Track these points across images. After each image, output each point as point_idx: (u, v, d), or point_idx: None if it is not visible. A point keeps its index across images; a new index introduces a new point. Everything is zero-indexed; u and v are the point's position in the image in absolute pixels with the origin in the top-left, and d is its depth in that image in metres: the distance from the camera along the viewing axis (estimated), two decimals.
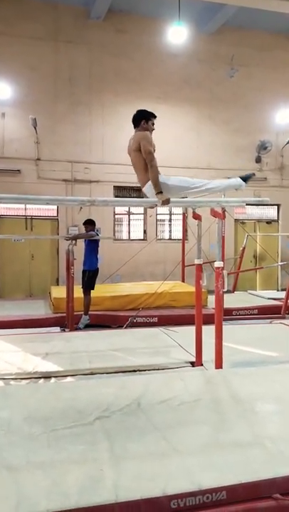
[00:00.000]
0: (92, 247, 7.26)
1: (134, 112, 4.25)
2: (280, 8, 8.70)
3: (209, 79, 12.04)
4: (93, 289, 7.22)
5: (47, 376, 4.35)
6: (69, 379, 4.30)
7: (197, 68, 11.88)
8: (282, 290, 10.56)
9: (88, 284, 7.15)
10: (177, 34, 10.36)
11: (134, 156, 4.12)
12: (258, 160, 12.39)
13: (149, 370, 4.53)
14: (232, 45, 11.97)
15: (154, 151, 4.08)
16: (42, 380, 4.27)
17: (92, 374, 4.41)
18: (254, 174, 4.12)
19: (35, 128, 10.53)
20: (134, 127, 4.22)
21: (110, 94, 11.34)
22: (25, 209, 11.07)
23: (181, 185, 4.16)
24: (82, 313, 7.09)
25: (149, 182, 4.01)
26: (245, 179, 4.21)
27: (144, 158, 4.00)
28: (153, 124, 4.23)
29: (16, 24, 10.59)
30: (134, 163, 4.18)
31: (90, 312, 7.16)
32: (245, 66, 12.05)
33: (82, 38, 11.10)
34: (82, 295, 7.11)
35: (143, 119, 4.16)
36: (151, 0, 10.90)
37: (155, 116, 4.23)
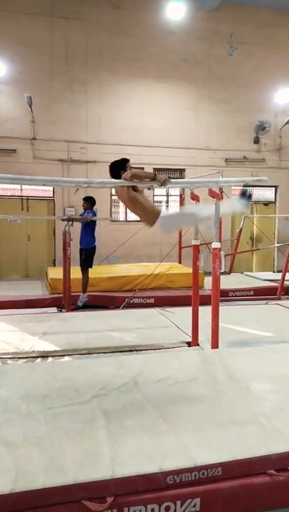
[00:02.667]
0: (89, 227, 7.20)
1: (110, 165, 4.09)
2: None
3: (208, 57, 11.83)
4: (91, 267, 7.19)
5: (44, 356, 4.37)
6: (66, 358, 4.33)
7: (195, 46, 11.65)
8: (279, 272, 10.58)
9: (86, 262, 7.12)
10: (176, 10, 10.15)
11: (129, 206, 4.18)
12: (257, 141, 12.28)
13: (145, 349, 4.56)
14: (231, 22, 11.73)
15: (138, 175, 3.80)
16: (39, 360, 4.30)
17: (89, 354, 4.44)
18: (251, 194, 4.04)
19: (30, 106, 10.37)
20: (113, 177, 4.02)
21: (107, 72, 11.14)
22: (21, 189, 10.99)
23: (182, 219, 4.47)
24: (80, 293, 7.10)
25: (159, 218, 4.02)
26: (245, 195, 4.08)
27: (136, 201, 4.00)
28: (129, 166, 3.99)
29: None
30: (131, 210, 4.25)
31: (87, 293, 7.17)
32: (245, 44, 11.83)
33: (78, 14, 10.84)
34: (79, 276, 7.10)
35: (121, 169, 3.93)
36: None
37: (128, 160, 4.04)
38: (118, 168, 4.00)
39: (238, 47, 11.62)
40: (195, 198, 5.37)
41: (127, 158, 4.11)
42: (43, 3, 10.62)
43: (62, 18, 10.78)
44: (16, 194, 10.96)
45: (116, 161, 4.07)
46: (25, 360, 4.27)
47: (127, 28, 11.16)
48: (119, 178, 3.83)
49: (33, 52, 10.62)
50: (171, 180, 3.84)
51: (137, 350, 4.53)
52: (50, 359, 4.32)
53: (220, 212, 4.26)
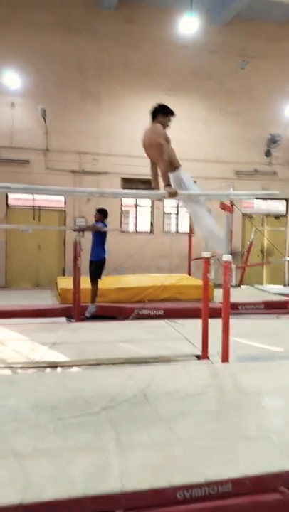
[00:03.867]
0: (100, 238, 7.24)
1: (155, 105, 4.25)
2: None
3: (219, 70, 11.91)
4: (100, 278, 7.21)
5: (53, 366, 4.37)
6: (75, 369, 4.32)
7: (207, 59, 11.76)
8: None
9: (95, 273, 7.14)
10: (188, 25, 10.25)
11: (150, 151, 4.15)
12: (268, 153, 12.29)
13: (155, 361, 4.53)
14: (243, 36, 11.84)
15: (169, 141, 4.07)
16: (49, 370, 4.29)
17: (98, 364, 4.43)
18: None
19: (44, 118, 10.52)
20: (152, 120, 4.22)
21: (119, 84, 11.28)
22: (34, 199, 11.09)
23: (192, 188, 4.38)
24: (89, 304, 7.11)
25: (179, 169, 4.10)
26: None
27: (163, 146, 3.99)
28: (169, 120, 4.21)
29: (25, 13, 10.53)
30: (151, 157, 4.22)
31: (96, 303, 7.18)
32: (256, 58, 11.91)
33: (92, 28, 11.02)
34: (88, 286, 7.12)
35: (161, 113, 4.17)
36: None
37: (173, 114, 4.22)
38: (160, 110, 4.19)
39: (249, 60, 11.71)
40: None
41: (171, 112, 4.21)
42: (58, 16, 10.82)
43: (76, 32, 10.96)
44: (29, 204, 11.07)
45: (164, 104, 4.25)
46: (34, 369, 4.27)
47: (138, 42, 11.31)
48: (155, 119, 4.15)
49: (48, 65, 10.79)
50: (181, 192, 3.88)
51: (146, 362, 4.51)
52: (59, 369, 4.31)
53: (210, 224, 4.26)
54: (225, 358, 4.18)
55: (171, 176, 4.05)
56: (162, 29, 11.33)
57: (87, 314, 7.07)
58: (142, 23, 11.26)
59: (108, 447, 2.58)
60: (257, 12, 11.44)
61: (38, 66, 10.71)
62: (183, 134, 11.42)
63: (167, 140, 4.06)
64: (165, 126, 4.18)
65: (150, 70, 11.42)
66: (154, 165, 4.33)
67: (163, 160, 3.95)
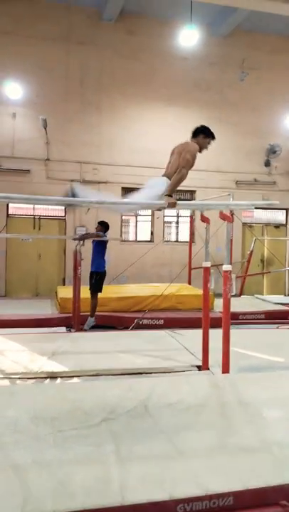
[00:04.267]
0: (100, 248, 7.26)
1: (199, 125, 4.33)
2: None
3: (219, 82, 12.02)
4: (100, 291, 7.21)
5: (53, 376, 4.34)
6: (75, 379, 4.29)
7: (207, 71, 11.87)
8: None
9: (96, 286, 7.15)
10: (189, 37, 10.36)
11: (173, 158, 4.23)
12: (267, 163, 12.35)
13: (155, 372, 4.51)
14: (243, 48, 11.96)
15: (191, 166, 4.12)
16: (48, 380, 4.27)
17: (98, 375, 4.40)
18: None
19: (45, 128, 10.58)
20: (192, 137, 4.29)
21: (120, 95, 11.36)
22: (34, 209, 11.12)
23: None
24: (89, 314, 7.10)
25: (161, 178, 4.11)
26: None
27: (188, 161, 4.07)
28: (209, 143, 4.28)
29: (27, 24, 10.66)
30: (171, 163, 4.27)
31: (96, 313, 7.16)
32: (256, 69, 12.05)
33: (94, 39, 11.14)
34: (88, 296, 7.11)
35: (203, 134, 4.23)
36: (163, 2, 10.91)
37: (214, 138, 4.28)
38: (203, 131, 4.24)
39: (249, 72, 11.85)
40: (205, 220, 5.38)
41: (212, 136, 4.26)
42: (60, 28, 10.94)
43: (78, 43, 11.08)
44: (29, 213, 11.10)
45: (208, 128, 4.28)
46: (34, 380, 4.25)
47: (139, 54, 11.41)
48: (196, 137, 4.23)
49: (49, 76, 10.89)
50: (181, 202, 3.90)
51: (146, 373, 4.49)
52: (58, 380, 4.28)
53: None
54: (226, 369, 4.16)
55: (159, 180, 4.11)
56: (162, 41, 11.45)
57: (86, 327, 7.05)
58: (142, 35, 11.38)
59: (108, 460, 2.56)
60: (257, 24, 11.57)
61: (39, 77, 10.80)
62: None
63: (193, 162, 4.11)
64: (202, 148, 4.26)
65: (151, 81, 11.52)
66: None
67: (179, 172, 3.99)
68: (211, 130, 4.30)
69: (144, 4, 10.99)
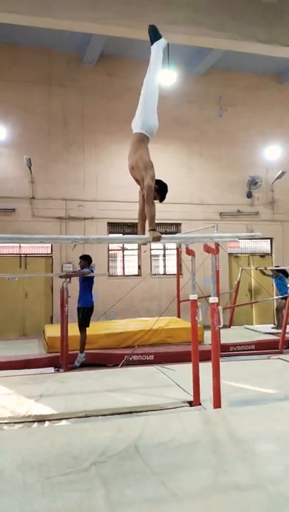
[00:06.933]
0: (87, 283, 7.23)
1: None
2: (263, 50, 9.10)
3: (198, 118, 12.38)
4: (88, 326, 7.14)
5: (41, 420, 4.23)
6: (64, 422, 4.18)
7: (186, 108, 12.23)
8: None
9: (83, 321, 7.08)
10: (167, 77, 10.73)
11: (135, 173, 4.41)
12: (249, 195, 12.60)
13: (145, 411, 4.41)
14: (220, 85, 12.40)
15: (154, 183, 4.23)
16: (36, 424, 4.15)
17: (87, 416, 4.29)
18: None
19: (29, 168, 10.70)
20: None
21: (102, 133, 11.61)
22: (20, 247, 11.09)
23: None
24: (78, 351, 6.98)
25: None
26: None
27: (143, 149, 4.42)
28: (155, 198, 4.49)
29: (10, 69, 10.94)
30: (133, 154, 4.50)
31: (84, 351, 7.05)
32: (232, 105, 12.46)
33: (75, 82, 11.46)
34: (77, 333, 7.02)
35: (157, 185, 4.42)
36: (141, 46, 11.28)
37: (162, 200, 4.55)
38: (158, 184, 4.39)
39: (227, 108, 12.24)
40: (190, 253, 5.42)
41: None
42: (42, 71, 11.24)
43: (60, 85, 11.38)
44: (15, 252, 11.05)
45: (163, 186, 4.57)
46: (21, 424, 4.12)
47: (119, 94, 11.72)
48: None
49: (32, 117, 11.11)
50: (166, 236, 3.94)
51: (136, 412, 4.39)
52: (47, 423, 4.17)
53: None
54: (217, 403, 4.10)
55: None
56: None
57: (77, 364, 6.93)
58: (123, 76, 11.73)
59: (98, 506, 2.47)
60: (232, 63, 12.03)
61: (22, 118, 11.01)
62: (166, 179, 11.54)
63: (153, 184, 4.24)
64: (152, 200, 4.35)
65: (131, 120, 11.69)
66: (142, 212, 4.42)
67: (148, 210, 4.05)
68: (166, 190, 4.56)
69: (122, 47, 11.39)
